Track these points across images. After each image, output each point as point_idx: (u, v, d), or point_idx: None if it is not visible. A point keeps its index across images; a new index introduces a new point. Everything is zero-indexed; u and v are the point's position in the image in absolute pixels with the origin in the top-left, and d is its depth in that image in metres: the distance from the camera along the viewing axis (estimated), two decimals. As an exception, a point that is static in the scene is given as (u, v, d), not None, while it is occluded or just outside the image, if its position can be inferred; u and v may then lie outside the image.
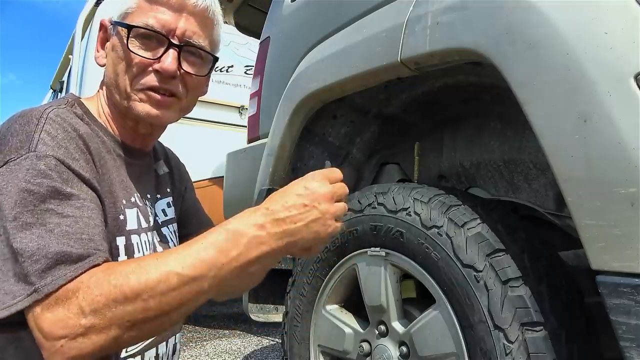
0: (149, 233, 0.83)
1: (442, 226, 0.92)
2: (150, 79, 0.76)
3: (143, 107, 0.77)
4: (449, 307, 0.90)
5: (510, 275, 0.83)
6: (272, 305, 1.64)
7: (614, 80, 0.66)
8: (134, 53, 0.74)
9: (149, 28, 0.74)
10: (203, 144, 3.68)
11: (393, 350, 1.03)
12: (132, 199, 0.79)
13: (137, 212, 0.80)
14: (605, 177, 0.66)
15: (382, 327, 1.07)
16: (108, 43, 0.80)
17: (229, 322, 3.84)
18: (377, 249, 1.06)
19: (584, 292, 0.91)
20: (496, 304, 0.82)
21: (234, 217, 0.66)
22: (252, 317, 1.61)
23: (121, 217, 0.75)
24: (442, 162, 1.36)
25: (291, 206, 0.66)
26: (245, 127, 1.84)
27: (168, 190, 0.97)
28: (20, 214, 0.60)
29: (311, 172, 0.72)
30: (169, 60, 0.75)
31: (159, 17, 0.75)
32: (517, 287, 0.82)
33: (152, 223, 0.85)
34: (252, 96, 1.73)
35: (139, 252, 0.78)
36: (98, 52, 0.81)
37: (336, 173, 0.73)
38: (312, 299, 1.23)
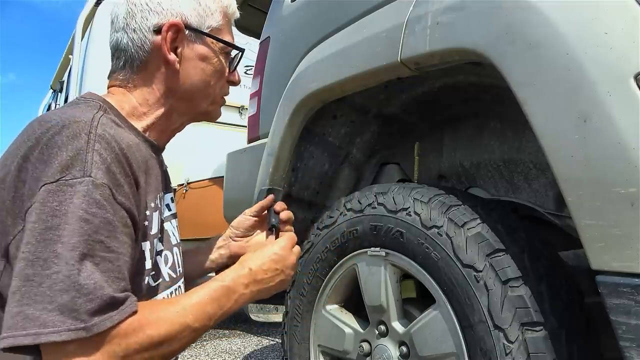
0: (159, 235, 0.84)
1: (442, 226, 0.92)
2: (227, 89, 0.91)
3: (219, 111, 0.93)
4: (449, 307, 0.90)
5: (510, 275, 0.83)
6: (272, 305, 1.64)
7: (614, 80, 0.66)
8: (229, 68, 0.89)
9: (242, 50, 0.89)
10: (203, 144, 3.68)
11: (393, 350, 1.03)
12: (156, 201, 0.80)
13: (157, 215, 0.81)
14: (605, 177, 0.66)
15: (382, 327, 1.07)
16: (185, 48, 0.82)
17: (229, 322, 3.84)
18: (377, 249, 1.06)
19: (584, 292, 0.91)
20: (496, 304, 0.82)
21: (226, 273, 0.79)
22: (252, 317, 1.61)
23: (146, 223, 0.77)
24: (442, 162, 1.36)
25: (267, 269, 0.82)
26: (245, 127, 1.84)
27: (170, 185, 0.98)
28: (78, 244, 0.59)
29: (280, 239, 0.89)
30: (239, 75, 0.93)
31: (233, 36, 0.89)
32: (517, 287, 0.82)
33: (161, 223, 0.86)
34: (252, 96, 1.73)
35: (159, 255, 0.83)
36: (170, 55, 0.80)
37: (294, 239, 0.91)
38: (312, 299, 1.23)
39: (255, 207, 1.03)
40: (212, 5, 0.84)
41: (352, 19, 1.22)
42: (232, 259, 1.04)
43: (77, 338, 0.57)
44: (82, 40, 3.90)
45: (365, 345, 1.10)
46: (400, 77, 1.08)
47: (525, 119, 0.76)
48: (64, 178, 0.61)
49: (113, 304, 0.61)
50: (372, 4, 1.16)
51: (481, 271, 0.85)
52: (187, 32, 0.81)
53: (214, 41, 0.84)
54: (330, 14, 1.32)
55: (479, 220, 0.90)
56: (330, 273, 1.19)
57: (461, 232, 0.89)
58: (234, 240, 1.05)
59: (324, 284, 1.21)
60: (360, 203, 1.11)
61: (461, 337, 0.87)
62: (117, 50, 0.83)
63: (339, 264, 1.17)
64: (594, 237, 0.68)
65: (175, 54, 0.81)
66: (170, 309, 0.69)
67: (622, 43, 0.66)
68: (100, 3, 3.85)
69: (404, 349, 1.01)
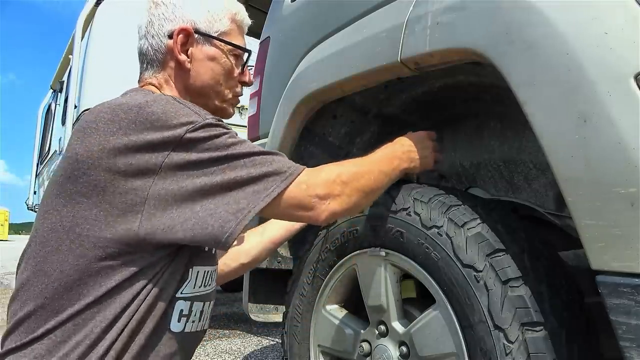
0: None
1: (442, 226, 0.92)
2: (237, 86, 1.01)
3: (231, 110, 1.02)
4: (448, 307, 0.90)
5: (510, 275, 0.83)
6: (272, 305, 1.64)
7: (613, 80, 0.66)
8: (237, 69, 0.98)
9: (249, 51, 1.00)
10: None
11: (393, 350, 1.03)
12: None
13: None
14: (605, 177, 0.66)
15: (382, 327, 1.07)
16: (195, 50, 0.94)
17: (229, 322, 3.84)
18: (377, 249, 1.06)
19: (584, 292, 0.91)
20: (496, 304, 0.82)
21: (387, 146, 1.03)
22: (252, 317, 1.61)
23: None
24: (442, 162, 1.36)
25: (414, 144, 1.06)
26: (245, 127, 1.84)
27: None
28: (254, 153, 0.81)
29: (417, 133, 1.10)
30: (251, 75, 1.03)
31: (243, 40, 1.00)
32: (517, 287, 0.82)
33: None
34: (252, 96, 1.73)
35: None
36: (180, 55, 0.92)
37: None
38: (312, 299, 1.23)
39: None
40: (221, 12, 0.96)
41: (352, 19, 1.22)
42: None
43: (297, 173, 0.83)
44: (82, 40, 3.90)
45: (365, 345, 1.10)
46: (400, 77, 1.08)
47: (525, 119, 0.76)
48: (192, 122, 0.77)
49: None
50: (372, 4, 1.16)
51: (481, 271, 0.85)
52: (196, 35, 0.93)
53: (222, 43, 0.95)
54: (330, 14, 1.32)
55: (479, 220, 0.90)
56: (330, 273, 1.19)
57: (461, 232, 0.89)
58: None
59: (323, 284, 1.21)
60: (360, 203, 1.11)
61: (461, 337, 0.87)
62: (141, 55, 0.97)
63: (339, 264, 1.17)
64: (594, 237, 0.68)
65: (187, 55, 0.93)
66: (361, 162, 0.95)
67: (622, 43, 0.66)
68: (100, 3, 3.85)
69: (404, 349, 1.01)
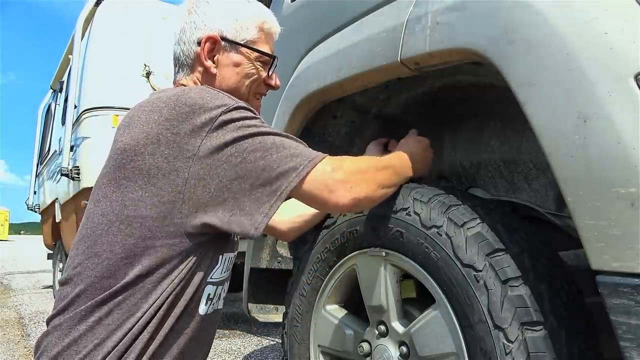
0: None
1: (441, 226, 0.92)
2: (263, 89, 1.07)
3: (256, 110, 1.01)
4: (448, 306, 0.90)
5: (510, 274, 0.83)
6: (272, 305, 1.64)
7: (614, 80, 0.66)
8: (262, 73, 1.04)
9: (274, 57, 1.05)
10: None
11: (393, 350, 1.03)
12: None
13: None
14: (605, 177, 0.66)
15: (382, 327, 1.07)
16: (221, 56, 1.00)
17: (229, 322, 3.84)
18: (377, 249, 1.06)
19: (584, 292, 0.91)
20: (496, 303, 0.82)
21: (396, 153, 1.07)
22: (252, 317, 1.61)
23: None
24: (442, 162, 1.36)
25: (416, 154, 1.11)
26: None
27: None
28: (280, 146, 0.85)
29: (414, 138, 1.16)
30: (278, 79, 1.08)
31: (271, 47, 1.06)
32: (517, 286, 0.82)
33: None
34: (252, 96, 1.72)
35: None
36: (207, 62, 0.99)
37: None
38: (312, 299, 1.23)
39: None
40: (249, 21, 1.01)
41: (352, 19, 1.22)
42: None
43: (320, 159, 0.87)
44: (82, 40, 3.91)
45: (365, 345, 1.10)
46: (400, 77, 1.08)
47: (525, 119, 0.76)
48: (225, 107, 0.84)
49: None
50: (372, 4, 1.16)
51: (481, 271, 0.85)
52: (223, 43, 0.99)
53: (248, 50, 1.01)
54: (330, 14, 1.32)
55: (478, 220, 0.90)
56: (330, 273, 1.19)
57: (461, 232, 0.89)
58: None
59: (323, 284, 1.21)
60: (360, 203, 1.11)
61: (461, 337, 0.87)
62: (174, 59, 1.04)
63: (338, 264, 1.17)
64: (594, 237, 0.68)
65: (213, 61, 1.00)
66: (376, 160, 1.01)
67: (622, 43, 0.66)
68: (100, 3, 3.85)
69: (404, 349, 1.01)
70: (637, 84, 0.64)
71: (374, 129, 1.41)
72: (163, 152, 0.81)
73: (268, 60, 1.05)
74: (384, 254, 1.04)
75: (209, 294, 0.93)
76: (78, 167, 3.63)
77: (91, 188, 3.38)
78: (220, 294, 0.98)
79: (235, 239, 1.04)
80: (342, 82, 1.16)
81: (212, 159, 0.81)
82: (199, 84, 1.01)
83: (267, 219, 0.82)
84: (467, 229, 0.89)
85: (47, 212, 5.34)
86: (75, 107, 3.80)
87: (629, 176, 0.64)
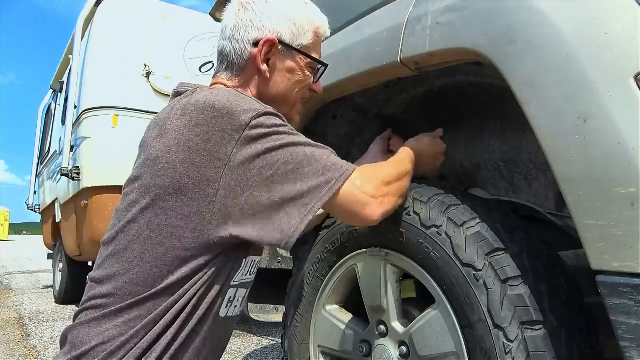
0: None
1: (441, 225, 0.92)
2: (307, 94, 1.06)
3: (297, 117, 1.08)
4: (448, 306, 0.90)
5: (510, 274, 0.83)
6: (272, 305, 1.64)
7: (614, 80, 0.66)
8: (310, 80, 1.02)
9: (326, 65, 1.04)
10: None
11: (393, 350, 1.03)
12: None
13: None
14: (605, 177, 0.66)
15: (382, 327, 1.07)
16: (276, 61, 0.97)
17: (229, 322, 3.82)
18: (377, 249, 1.06)
19: (584, 292, 0.91)
20: (496, 303, 0.82)
21: (405, 148, 1.08)
22: (252, 317, 1.61)
23: None
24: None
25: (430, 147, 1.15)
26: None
27: None
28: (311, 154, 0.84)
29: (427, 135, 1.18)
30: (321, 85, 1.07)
31: (320, 51, 1.05)
32: (517, 286, 0.82)
33: None
34: (252, 96, 1.72)
35: None
36: (262, 66, 0.96)
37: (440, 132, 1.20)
38: (312, 299, 1.23)
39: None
40: (306, 26, 0.98)
41: (351, 19, 1.22)
42: None
43: (351, 171, 0.86)
44: (82, 40, 3.90)
45: (365, 346, 1.10)
46: (400, 77, 1.08)
47: (525, 119, 0.76)
48: (254, 114, 0.81)
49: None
50: (372, 4, 1.16)
51: (481, 270, 0.85)
52: (280, 47, 0.96)
53: (303, 56, 0.99)
54: (330, 14, 1.32)
55: (478, 220, 0.90)
56: (330, 273, 1.19)
57: (460, 232, 0.89)
58: None
59: (323, 284, 1.21)
60: (360, 203, 1.11)
61: (461, 337, 0.87)
62: (221, 55, 1.00)
63: (338, 264, 1.17)
64: (594, 237, 0.68)
65: (267, 65, 0.96)
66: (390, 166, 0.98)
67: (622, 43, 0.66)
68: (100, 3, 3.85)
69: (404, 348, 1.01)
70: (637, 84, 0.64)
71: (374, 129, 1.41)
72: (194, 160, 0.80)
73: (317, 66, 1.03)
74: (383, 253, 1.04)
75: (230, 297, 0.93)
76: (78, 167, 3.62)
77: (91, 188, 3.35)
78: (241, 297, 0.98)
79: None
80: (342, 82, 1.16)
81: (244, 169, 0.80)
82: (248, 86, 0.98)
83: (297, 233, 0.81)
84: (467, 228, 0.89)
85: (47, 212, 5.34)
86: (75, 107, 3.80)
87: (629, 176, 0.64)
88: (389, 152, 1.27)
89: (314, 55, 1.01)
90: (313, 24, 1.00)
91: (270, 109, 0.85)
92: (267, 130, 0.81)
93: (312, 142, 0.87)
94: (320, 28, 1.02)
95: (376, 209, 0.87)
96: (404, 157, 1.04)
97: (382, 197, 0.88)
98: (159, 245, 0.82)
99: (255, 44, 0.95)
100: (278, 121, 0.84)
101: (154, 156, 0.84)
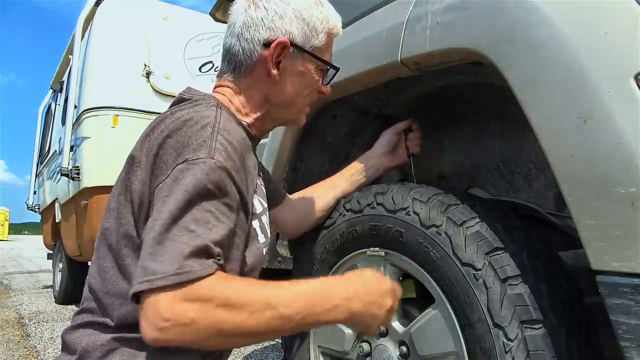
0: (263, 217, 0.95)
1: (441, 225, 0.92)
2: (315, 97, 1.00)
3: (304, 118, 1.02)
4: (448, 306, 0.90)
5: (509, 273, 0.83)
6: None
7: (614, 80, 0.66)
8: (319, 83, 0.96)
9: (337, 69, 0.99)
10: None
11: (393, 350, 1.03)
12: (254, 185, 0.89)
13: (258, 197, 0.93)
14: (605, 177, 0.66)
15: (382, 327, 1.07)
16: (287, 63, 0.91)
17: (229, 322, 3.82)
18: (377, 249, 1.06)
19: (584, 292, 0.91)
20: (495, 302, 0.82)
21: (336, 277, 0.91)
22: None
23: (252, 204, 0.87)
24: (442, 162, 1.36)
25: (371, 293, 0.81)
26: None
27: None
28: (190, 208, 0.69)
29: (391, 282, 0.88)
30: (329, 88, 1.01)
31: (331, 54, 0.98)
32: (516, 285, 0.82)
33: (265, 204, 0.99)
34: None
35: (266, 231, 0.95)
36: (273, 69, 0.90)
37: (399, 292, 0.89)
38: (312, 298, 1.23)
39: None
40: (319, 26, 0.92)
41: (352, 19, 1.22)
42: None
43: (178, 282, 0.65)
44: (82, 40, 3.90)
45: (365, 345, 1.10)
46: (400, 77, 1.08)
47: (526, 119, 0.76)
48: (191, 159, 0.72)
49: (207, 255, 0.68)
50: (372, 4, 1.16)
51: (480, 269, 0.85)
52: (291, 49, 0.90)
53: (314, 59, 0.93)
54: (331, 14, 1.32)
55: (477, 219, 0.91)
56: (330, 273, 1.19)
57: (460, 231, 0.89)
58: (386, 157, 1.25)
59: (323, 283, 1.20)
60: (359, 203, 1.11)
61: (461, 336, 0.87)
62: (228, 54, 0.93)
63: (338, 264, 1.17)
64: (594, 237, 0.68)
65: (277, 67, 0.90)
66: (257, 286, 0.73)
67: (622, 43, 0.66)
68: (100, 3, 3.85)
69: (404, 348, 1.01)
70: (637, 84, 0.64)
71: (374, 129, 1.41)
72: (151, 171, 0.76)
73: (326, 67, 0.97)
74: (383, 253, 1.04)
75: (258, 227, 0.91)
76: (78, 167, 3.62)
77: (91, 188, 3.34)
78: (268, 229, 0.96)
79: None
80: (342, 82, 1.16)
81: (154, 202, 0.74)
82: (253, 89, 0.93)
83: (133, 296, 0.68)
84: (467, 228, 0.89)
85: (47, 212, 5.34)
86: (75, 107, 3.79)
87: (629, 176, 0.64)
88: (394, 152, 1.25)
89: (325, 57, 0.96)
90: (326, 24, 0.93)
91: (231, 156, 0.75)
92: (179, 179, 0.71)
93: (208, 219, 0.70)
94: (334, 28, 0.95)
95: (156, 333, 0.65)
96: (301, 286, 0.76)
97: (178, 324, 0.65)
98: (132, 255, 0.79)
99: (266, 44, 0.88)
100: (201, 173, 0.71)
101: (129, 157, 0.82)
